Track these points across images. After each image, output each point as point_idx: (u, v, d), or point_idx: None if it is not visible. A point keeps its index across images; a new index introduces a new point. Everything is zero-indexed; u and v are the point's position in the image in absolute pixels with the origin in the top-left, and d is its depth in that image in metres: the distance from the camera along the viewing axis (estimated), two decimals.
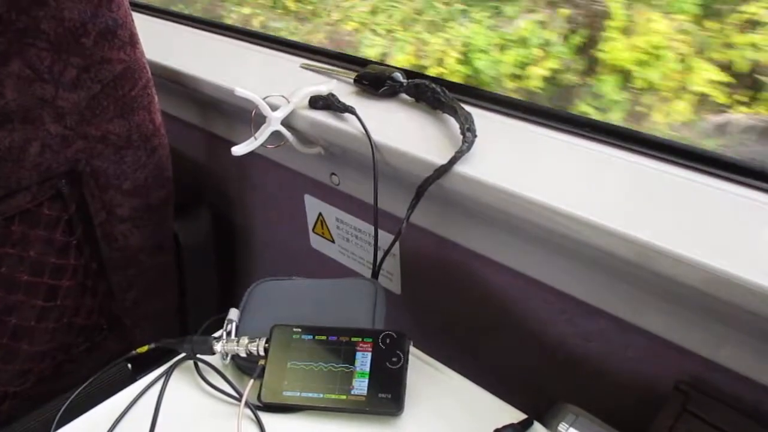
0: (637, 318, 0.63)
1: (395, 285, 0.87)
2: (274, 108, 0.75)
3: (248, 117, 0.92)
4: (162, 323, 1.01)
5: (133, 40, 0.77)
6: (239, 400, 0.60)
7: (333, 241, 0.94)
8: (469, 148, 0.63)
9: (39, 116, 0.73)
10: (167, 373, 0.63)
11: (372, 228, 0.85)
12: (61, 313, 0.86)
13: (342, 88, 0.79)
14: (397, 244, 0.75)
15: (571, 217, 0.57)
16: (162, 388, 0.62)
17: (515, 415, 0.58)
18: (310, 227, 0.96)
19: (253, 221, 1.09)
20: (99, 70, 0.75)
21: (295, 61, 0.92)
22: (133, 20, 0.77)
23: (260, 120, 0.76)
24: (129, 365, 0.99)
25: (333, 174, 0.84)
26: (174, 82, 0.95)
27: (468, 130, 0.65)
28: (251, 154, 1.00)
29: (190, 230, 1.00)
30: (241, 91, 0.71)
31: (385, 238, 0.85)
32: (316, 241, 0.97)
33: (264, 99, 0.74)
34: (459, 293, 0.80)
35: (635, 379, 0.66)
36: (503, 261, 0.71)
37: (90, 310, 0.90)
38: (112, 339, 0.97)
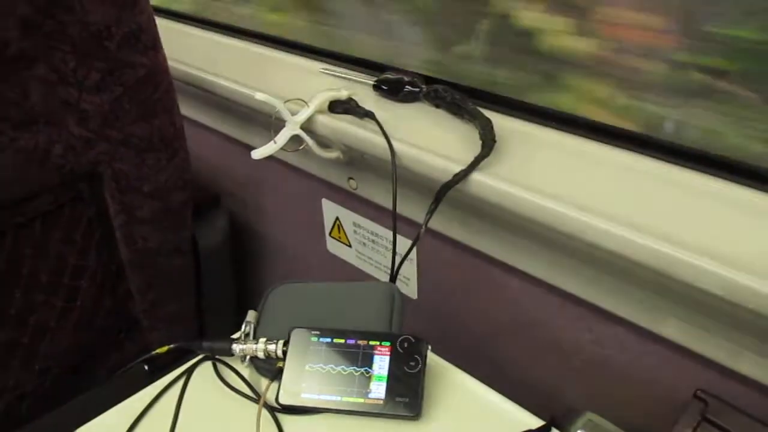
0: (656, 326, 0.63)
1: (411, 290, 0.87)
2: (293, 112, 0.75)
3: (266, 121, 0.93)
4: (179, 325, 1.02)
5: (155, 45, 0.78)
6: (257, 402, 0.61)
7: (350, 246, 0.94)
8: (488, 154, 0.64)
9: (63, 119, 0.74)
10: (188, 373, 0.64)
11: (389, 233, 0.86)
12: (80, 313, 0.87)
13: (361, 92, 0.80)
14: (415, 248, 0.75)
15: (587, 224, 0.57)
16: (182, 388, 0.62)
17: (533, 421, 0.58)
18: (327, 231, 0.97)
19: (269, 225, 1.09)
20: (122, 73, 0.76)
21: (314, 66, 0.92)
22: (155, 25, 0.78)
23: (279, 124, 0.77)
24: (146, 366, 1.00)
25: (351, 178, 0.85)
26: (192, 86, 0.96)
27: (487, 135, 0.65)
28: (269, 158, 1.01)
29: (207, 233, 1.01)
30: (261, 95, 0.71)
31: (403, 242, 0.85)
32: (333, 246, 0.98)
33: (284, 103, 0.74)
34: (476, 299, 0.80)
35: (653, 387, 0.66)
36: (521, 267, 0.71)
37: (108, 311, 0.91)
38: (129, 340, 0.97)
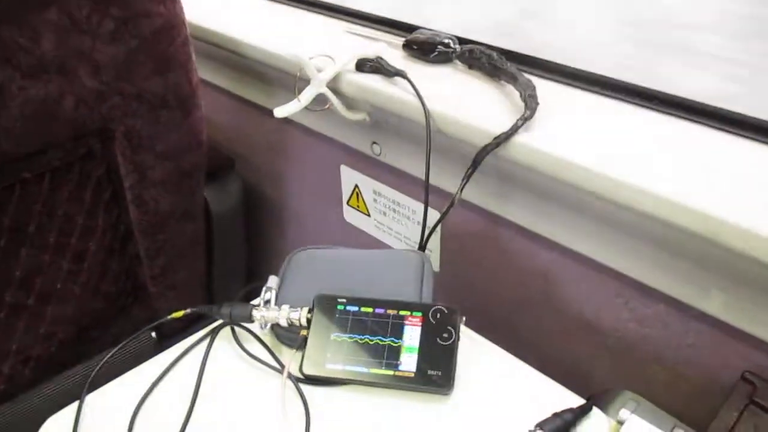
0: (700, 301, 0.60)
1: (434, 262, 0.84)
2: (319, 70, 0.71)
3: (284, 81, 0.89)
4: (188, 292, 0.99)
5: None
6: (279, 371, 0.58)
7: (368, 215, 0.91)
8: (531, 116, 0.60)
9: (74, 68, 0.70)
10: (210, 339, 0.60)
11: (412, 201, 0.82)
12: (87, 276, 0.83)
13: (390, 53, 0.76)
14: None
15: (636, 189, 0.54)
16: (205, 354, 0.59)
17: (571, 399, 0.55)
18: (345, 199, 0.93)
19: (283, 192, 1.05)
20: (137, 23, 0.72)
21: (338, 26, 0.88)
22: None
23: (301, 84, 0.72)
24: (153, 333, 0.97)
25: (374, 143, 0.81)
26: (208, 44, 0.92)
27: (530, 96, 0.61)
28: (285, 122, 0.97)
29: (220, 198, 0.98)
30: (287, 50, 0.67)
31: (430, 211, 0.81)
32: (350, 214, 0.94)
33: (309, 60, 0.70)
34: (503, 271, 0.76)
35: (696, 368, 0.63)
36: (554, 237, 0.68)
37: (116, 275, 0.88)
38: (137, 306, 0.94)
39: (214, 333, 0.61)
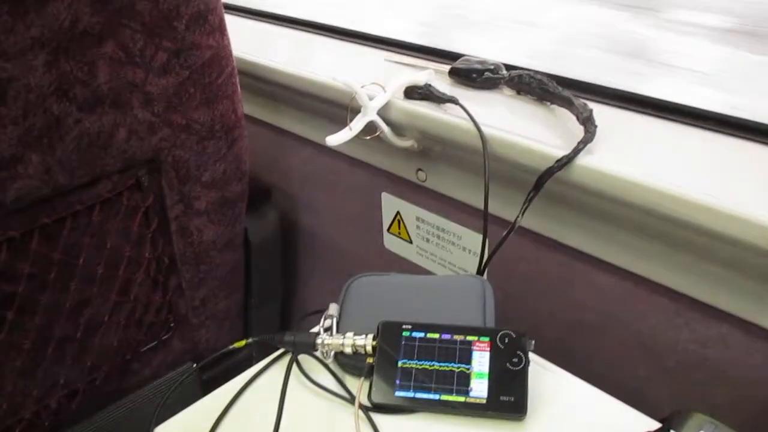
0: (765, 320, 0.59)
1: None
2: (370, 98, 0.72)
3: (322, 111, 0.90)
4: (228, 323, 0.98)
5: (221, 27, 0.75)
6: (349, 401, 0.57)
7: (410, 242, 0.91)
8: (591, 138, 0.60)
9: (128, 101, 0.71)
10: (286, 371, 0.59)
11: (457, 227, 0.83)
12: (132, 308, 0.83)
13: (435, 80, 0.76)
14: (487, 242, 0.72)
15: (698, 204, 0.54)
16: (284, 384, 0.58)
17: (643, 423, 0.55)
18: (386, 227, 0.93)
19: (321, 220, 1.05)
20: (189, 55, 0.73)
21: (377, 55, 0.89)
22: (222, 6, 0.75)
23: (351, 113, 0.73)
24: (194, 365, 0.96)
25: (419, 170, 0.81)
26: (249, 76, 0.93)
27: (587, 119, 0.61)
28: (321, 151, 0.98)
29: (258, 228, 0.98)
30: (341, 78, 0.68)
31: (472, 236, 0.81)
32: (391, 242, 0.94)
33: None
34: (554, 295, 0.76)
35: (763, 389, 0.62)
36: (610, 259, 0.68)
37: (159, 307, 0.87)
38: (178, 338, 0.93)
39: (289, 364, 0.60)
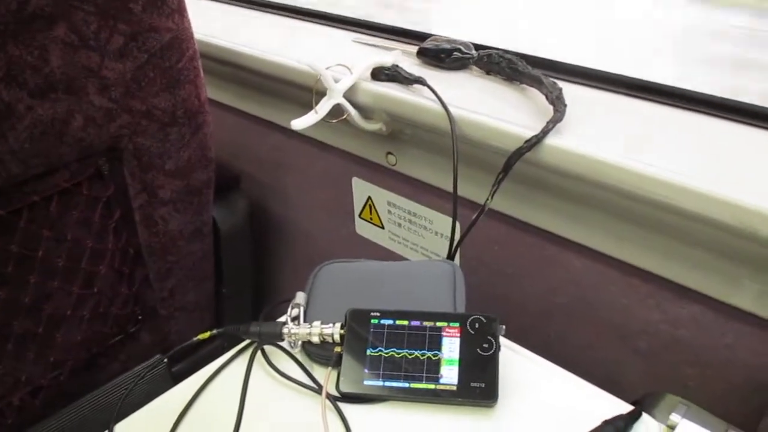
0: (736, 299, 0.59)
1: None
2: (335, 80, 0.70)
3: (288, 94, 0.87)
4: (197, 314, 0.96)
5: (180, 8, 0.72)
6: (316, 391, 0.56)
7: (382, 227, 0.89)
8: (561, 118, 0.59)
9: (83, 87, 0.68)
10: (249, 361, 0.58)
11: (429, 211, 0.81)
12: (96, 301, 0.81)
13: (403, 61, 0.75)
14: (458, 224, 0.70)
15: (671, 184, 0.53)
16: (246, 374, 0.56)
17: (616, 406, 0.54)
18: (357, 212, 0.92)
19: (291, 207, 1.04)
20: (146, 38, 0.70)
21: (345, 36, 0.87)
22: None
23: (318, 96, 0.71)
24: (164, 359, 0.94)
25: (389, 153, 0.80)
26: (213, 59, 0.90)
27: (557, 98, 0.60)
28: (290, 136, 0.96)
29: (226, 216, 0.95)
30: (305, 61, 0.66)
31: (444, 220, 0.80)
32: (363, 227, 0.92)
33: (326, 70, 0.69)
34: (527, 278, 0.75)
35: (734, 368, 0.62)
36: (582, 241, 0.67)
37: (125, 299, 0.85)
38: (146, 330, 0.91)
39: (251, 355, 0.58)
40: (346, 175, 0.89)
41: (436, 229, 0.82)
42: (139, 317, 0.89)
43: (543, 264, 0.72)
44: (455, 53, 0.72)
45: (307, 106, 0.71)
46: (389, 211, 0.86)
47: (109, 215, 0.78)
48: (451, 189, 0.74)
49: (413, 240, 0.86)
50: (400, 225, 0.86)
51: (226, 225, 0.94)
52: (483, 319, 0.56)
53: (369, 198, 0.88)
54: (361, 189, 0.88)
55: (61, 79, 0.66)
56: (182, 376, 0.60)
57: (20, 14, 0.60)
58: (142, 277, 0.86)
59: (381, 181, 0.85)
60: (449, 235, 0.80)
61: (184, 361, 0.93)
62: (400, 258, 0.89)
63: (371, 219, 0.90)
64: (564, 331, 0.74)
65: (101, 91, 0.69)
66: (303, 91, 0.80)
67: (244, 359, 0.60)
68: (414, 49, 0.77)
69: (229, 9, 1.04)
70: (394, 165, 0.80)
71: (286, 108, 0.91)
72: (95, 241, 0.77)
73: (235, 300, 1.04)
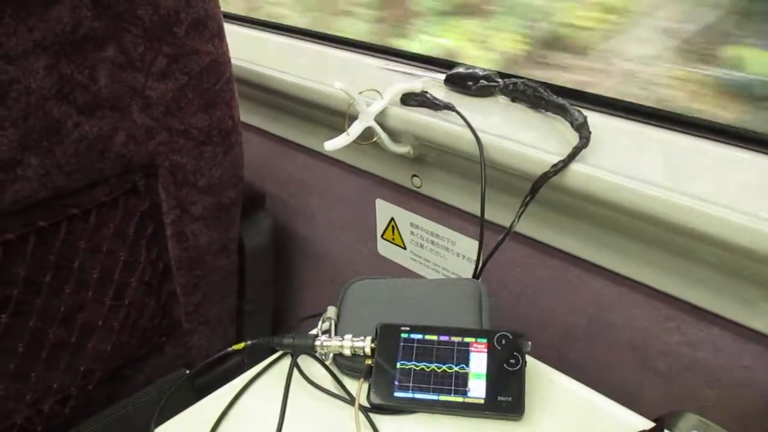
0: (755, 322, 0.61)
1: None
2: (367, 104, 0.73)
3: (317, 118, 0.91)
4: (220, 329, 0.98)
5: (220, 33, 0.76)
6: (348, 402, 0.57)
7: (404, 248, 0.91)
8: (586, 144, 0.61)
9: (127, 105, 0.71)
10: (288, 372, 0.59)
11: (451, 233, 0.84)
12: (126, 313, 0.83)
13: (431, 87, 0.78)
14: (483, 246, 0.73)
15: (694, 210, 0.55)
16: (286, 385, 0.58)
17: (639, 422, 0.56)
18: (379, 233, 0.94)
19: (314, 226, 1.06)
20: (188, 61, 0.73)
21: (374, 63, 0.90)
22: (221, 13, 0.76)
23: (349, 119, 0.74)
24: (186, 371, 0.96)
25: (414, 176, 0.82)
26: (244, 83, 0.93)
27: (582, 126, 0.63)
28: (316, 157, 0.99)
29: (252, 234, 0.98)
30: (339, 84, 0.69)
31: (466, 242, 0.82)
32: (384, 248, 0.95)
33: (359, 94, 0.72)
34: (548, 299, 0.77)
35: (753, 390, 0.63)
36: (604, 264, 0.69)
37: (153, 312, 0.87)
38: (171, 344, 0.93)
39: (291, 366, 0.60)
40: (369, 196, 0.91)
41: (458, 250, 0.84)
42: (165, 330, 0.91)
43: (564, 286, 0.74)
44: (482, 81, 0.75)
45: (333, 129, 0.74)
46: (412, 232, 0.89)
47: (142, 229, 0.81)
48: (473, 211, 0.77)
49: (435, 260, 0.88)
50: (422, 246, 0.89)
51: (251, 242, 0.97)
52: (510, 335, 0.58)
53: (392, 219, 0.91)
54: (384, 210, 0.91)
55: (107, 97, 0.69)
56: (203, 390, 0.62)
57: (74, 35, 0.64)
58: (170, 290, 0.88)
59: (404, 203, 0.87)
60: (471, 256, 0.83)
61: (205, 375, 0.95)
62: (422, 278, 0.91)
63: (393, 239, 0.92)
64: (584, 352, 0.76)
65: (144, 110, 0.73)
66: (332, 115, 0.83)
67: (273, 371, 0.62)
68: (441, 77, 0.80)
69: (266, 36, 1.08)
70: (419, 187, 0.83)
71: (312, 130, 0.94)
72: (128, 253, 0.80)
73: (255, 316, 1.06)
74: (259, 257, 0.99)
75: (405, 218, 0.88)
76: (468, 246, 0.83)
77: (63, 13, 0.62)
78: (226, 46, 0.78)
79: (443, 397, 0.56)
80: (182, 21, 0.71)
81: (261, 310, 1.08)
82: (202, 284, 0.91)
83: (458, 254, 0.84)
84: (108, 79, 0.68)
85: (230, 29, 1.05)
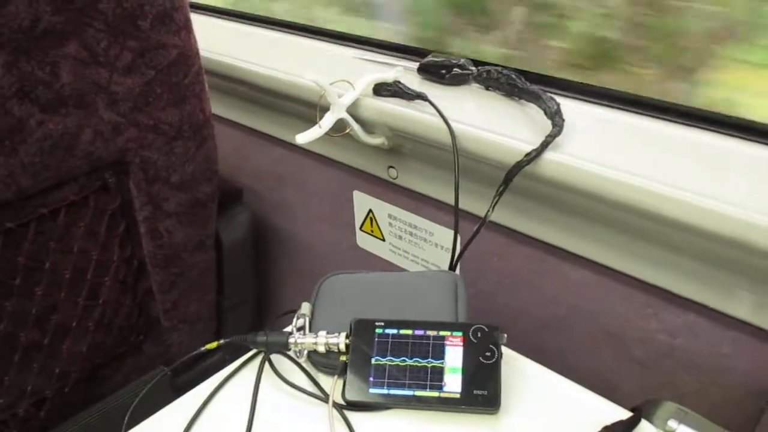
0: (733, 309, 0.60)
1: None
2: (338, 95, 0.72)
3: (292, 110, 0.89)
4: (200, 325, 0.97)
5: (187, 25, 0.74)
6: (323, 399, 0.57)
7: (383, 239, 0.91)
8: (559, 132, 0.61)
9: (93, 102, 0.69)
10: (258, 370, 0.58)
11: (429, 224, 0.83)
12: (101, 312, 0.82)
13: (404, 77, 0.76)
14: (458, 237, 0.72)
15: (668, 197, 0.55)
16: (256, 383, 0.57)
17: (615, 412, 0.55)
18: (357, 225, 0.93)
19: (292, 220, 1.05)
20: (154, 55, 0.72)
21: (346, 53, 0.89)
22: (188, 5, 0.74)
23: (321, 111, 0.73)
24: (166, 369, 0.95)
25: (391, 167, 0.81)
26: (217, 75, 0.92)
27: (556, 113, 0.62)
28: (292, 150, 0.97)
29: (229, 229, 0.97)
30: (310, 75, 0.67)
31: (444, 232, 0.82)
32: (363, 240, 0.94)
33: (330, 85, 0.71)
34: (526, 289, 0.77)
35: (730, 376, 0.63)
36: (580, 252, 0.69)
37: (129, 310, 0.86)
38: (149, 342, 0.92)
39: (261, 364, 0.59)
40: (347, 188, 0.90)
41: (436, 241, 0.83)
42: (143, 328, 0.90)
43: (541, 275, 0.73)
44: (455, 69, 0.74)
45: (308, 121, 0.73)
46: (390, 224, 0.88)
47: (114, 227, 0.79)
48: (451, 202, 0.76)
49: (414, 252, 0.87)
50: (400, 237, 0.88)
51: (229, 238, 0.96)
52: (485, 328, 0.57)
53: (370, 211, 0.90)
54: (362, 202, 0.90)
55: (71, 94, 0.67)
56: (185, 388, 0.61)
57: (33, 31, 0.62)
58: (146, 288, 0.87)
59: (382, 194, 0.86)
60: (449, 246, 0.82)
61: (186, 373, 0.94)
62: (401, 269, 0.90)
63: (372, 231, 0.91)
64: (563, 340, 0.76)
65: (110, 106, 0.71)
66: (305, 106, 0.82)
67: (248, 370, 0.61)
68: (414, 65, 0.79)
69: (227, 25, 1.06)
70: (395, 178, 0.82)
71: (288, 123, 0.93)
72: (101, 252, 0.78)
73: (236, 312, 1.05)
74: (238, 252, 0.98)
75: (383, 210, 0.87)
76: (446, 236, 0.82)
77: (20, 8, 0.60)
78: (194, 38, 0.76)
79: (419, 393, 0.55)
80: (147, 14, 0.69)
81: (242, 306, 1.07)
82: (179, 281, 0.90)
83: (436, 245, 0.84)
84: (71, 75, 0.66)
85: (200, 20, 1.04)
